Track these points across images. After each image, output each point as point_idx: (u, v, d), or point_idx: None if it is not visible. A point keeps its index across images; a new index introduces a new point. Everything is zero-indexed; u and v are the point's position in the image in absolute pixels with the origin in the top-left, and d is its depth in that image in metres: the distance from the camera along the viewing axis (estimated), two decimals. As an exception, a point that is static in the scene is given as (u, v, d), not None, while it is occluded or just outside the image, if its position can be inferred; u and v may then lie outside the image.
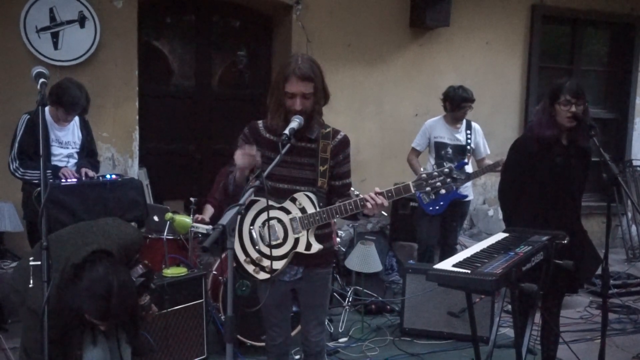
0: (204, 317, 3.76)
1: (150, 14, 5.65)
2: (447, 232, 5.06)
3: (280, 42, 6.08)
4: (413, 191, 2.42)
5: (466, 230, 6.48)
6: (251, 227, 2.63)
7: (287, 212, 2.58)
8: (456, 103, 4.87)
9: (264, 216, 2.58)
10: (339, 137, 2.66)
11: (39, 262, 1.96)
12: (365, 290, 4.80)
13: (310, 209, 2.54)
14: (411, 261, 5.02)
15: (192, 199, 4.29)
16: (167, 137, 5.94)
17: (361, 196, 2.48)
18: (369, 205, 2.44)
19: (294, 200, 2.57)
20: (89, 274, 2.31)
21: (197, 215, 4.21)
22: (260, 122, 2.67)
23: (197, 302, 3.72)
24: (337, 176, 2.66)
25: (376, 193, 2.44)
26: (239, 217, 2.60)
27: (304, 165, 2.60)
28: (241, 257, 2.66)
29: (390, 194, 2.45)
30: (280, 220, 2.59)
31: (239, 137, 2.68)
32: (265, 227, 2.59)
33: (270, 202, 2.54)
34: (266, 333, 2.82)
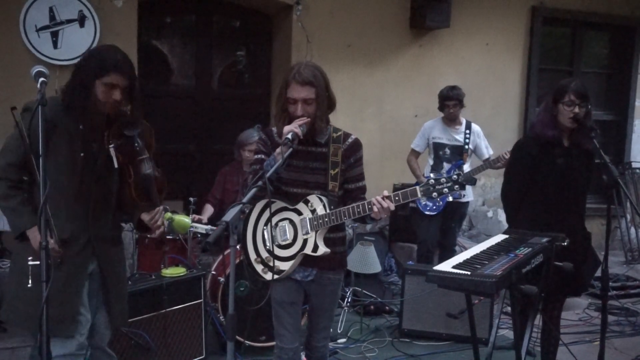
0: (202, 318, 3.75)
1: (150, 13, 5.65)
2: (445, 233, 5.06)
3: (280, 42, 6.08)
4: (419, 196, 2.42)
5: (465, 231, 6.48)
6: (264, 228, 2.66)
7: (299, 213, 2.61)
8: (439, 102, 4.91)
9: (278, 216, 2.63)
10: (350, 140, 2.68)
11: (38, 262, 1.94)
12: (364, 291, 4.80)
13: (321, 211, 2.56)
14: (410, 262, 5.02)
15: (191, 199, 4.29)
16: (166, 136, 5.92)
17: (368, 199, 2.49)
18: (375, 209, 2.44)
19: (306, 202, 2.59)
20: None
21: (193, 216, 4.20)
22: (273, 128, 2.71)
23: (196, 302, 3.72)
24: (350, 179, 2.68)
25: (383, 197, 2.45)
26: (255, 216, 2.68)
27: (315, 169, 2.62)
28: (252, 256, 2.70)
29: (397, 198, 2.45)
30: (291, 221, 2.62)
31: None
32: (278, 228, 2.63)
33: (285, 204, 2.62)
34: (278, 337, 2.74)
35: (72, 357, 2.45)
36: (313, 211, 2.57)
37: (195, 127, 6.06)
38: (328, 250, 2.57)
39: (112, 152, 2.48)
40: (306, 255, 2.60)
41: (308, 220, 2.57)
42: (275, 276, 2.63)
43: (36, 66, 2.23)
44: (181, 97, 6.03)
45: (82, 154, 2.43)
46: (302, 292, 2.75)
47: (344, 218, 2.52)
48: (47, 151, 2.06)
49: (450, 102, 4.90)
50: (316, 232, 2.56)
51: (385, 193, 2.47)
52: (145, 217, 2.65)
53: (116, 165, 2.49)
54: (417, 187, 2.44)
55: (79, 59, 2.48)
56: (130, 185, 2.55)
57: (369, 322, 4.61)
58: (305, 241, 2.58)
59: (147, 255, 4.24)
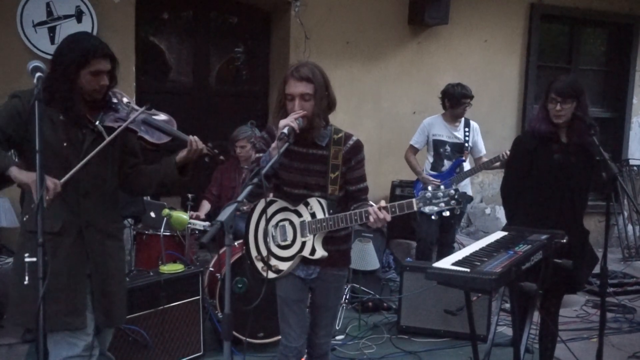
0: (200, 314, 3.74)
1: (147, 9, 5.62)
2: (445, 231, 5.05)
3: (278, 38, 6.06)
4: (416, 209, 2.40)
5: (463, 228, 6.48)
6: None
7: (299, 215, 2.61)
8: (456, 99, 4.86)
9: (279, 216, 2.64)
10: (351, 142, 2.67)
11: (35, 259, 1.93)
12: (362, 288, 4.79)
13: (320, 215, 2.56)
14: (408, 259, 5.02)
15: (189, 195, 4.28)
16: (164, 133, 5.91)
17: (365, 208, 2.48)
18: (371, 219, 2.44)
19: (306, 205, 2.60)
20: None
21: (191, 213, 4.19)
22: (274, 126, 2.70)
23: (194, 299, 3.71)
24: (351, 181, 2.67)
25: (380, 207, 2.44)
26: (257, 214, 2.70)
27: (316, 172, 2.62)
28: (253, 253, 2.72)
29: (393, 210, 2.44)
30: (291, 222, 2.62)
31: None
32: (278, 228, 2.64)
33: (286, 204, 2.63)
34: (283, 334, 2.74)
35: (79, 359, 2.41)
36: (312, 214, 2.57)
37: (192, 124, 6.02)
38: (325, 254, 2.58)
39: (100, 128, 2.43)
40: (302, 257, 2.60)
41: (307, 224, 2.58)
42: (273, 275, 2.63)
43: (32, 61, 2.21)
44: (179, 93, 6.01)
45: (65, 144, 2.39)
46: (308, 290, 2.75)
47: (341, 224, 2.52)
48: (29, 139, 2.04)
49: (468, 99, 4.89)
50: (314, 235, 2.57)
51: (382, 204, 2.46)
52: (181, 154, 2.58)
53: (107, 138, 2.41)
54: (414, 200, 2.42)
55: (55, 53, 2.42)
56: (142, 139, 2.50)
57: (367, 318, 4.60)
58: (303, 244, 2.59)
59: (144, 252, 4.22)
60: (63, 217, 2.39)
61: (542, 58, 6.89)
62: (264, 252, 2.67)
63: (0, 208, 4.58)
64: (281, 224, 2.64)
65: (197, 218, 4.29)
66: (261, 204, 2.71)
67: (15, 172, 2.24)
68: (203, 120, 6.06)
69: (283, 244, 2.64)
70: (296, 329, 2.70)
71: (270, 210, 2.67)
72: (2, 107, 2.39)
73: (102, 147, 2.38)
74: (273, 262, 2.64)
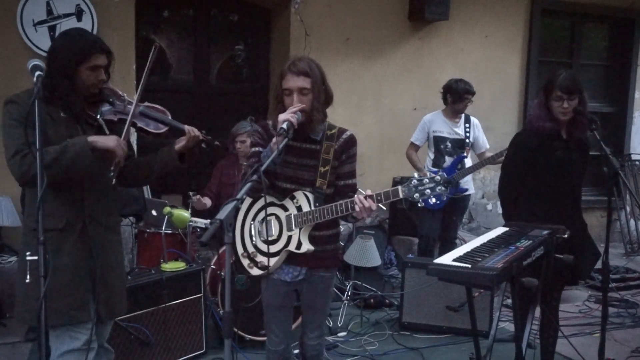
0: (202, 312, 3.75)
1: (147, 7, 5.62)
2: (447, 227, 5.05)
3: (278, 36, 6.06)
4: (401, 196, 2.39)
5: (465, 224, 6.48)
6: (252, 222, 2.66)
7: (286, 209, 2.60)
8: (459, 94, 4.85)
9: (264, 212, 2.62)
10: (344, 137, 2.65)
11: (36, 257, 1.93)
12: (364, 285, 4.79)
13: (306, 208, 2.55)
14: (410, 255, 5.02)
15: (190, 193, 4.29)
16: (164, 131, 5.91)
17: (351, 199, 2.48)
18: (357, 208, 2.42)
19: (292, 198, 2.59)
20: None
21: (198, 197, 4.23)
22: (270, 122, 2.70)
23: (196, 296, 3.72)
24: (340, 176, 2.66)
25: (365, 196, 2.43)
26: (244, 209, 2.68)
27: (307, 166, 2.61)
28: (239, 250, 2.71)
29: (379, 198, 2.43)
30: (277, 217, 2.61)
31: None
32: (264, 223, 2.62)
33: (273, 199, 2.61)
34: (267, 337, 2.78)
35: (78, 353, 2.42)
36: (298, 208, 2.56)
37: (193, 122, 5.91)
38: (312, 247, 2.56)
39: (101, 121, 2.47)
40: (294, 253, 2.58)
41: (293, 217, 2.57)
42: (261, 272, 2.63)
43: (32, 60, 2.21)
44: (179, 91, 6.00)
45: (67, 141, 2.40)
46: (293, 294, 2.73)
47: (327, 216, 2.49)
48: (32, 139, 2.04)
49: (470, 95, 4.88)
50: (300, 229, 2.55)
51: (368, 192, 2.45)
52: (180, 143, 2.65)
53: (107, 133, 2.45)
54: (399, 187, 2.41)
55: (50, 50, 2.43)
56: (142, 130, 2.55)
57: (369, 315, 4.61)
58: (289, 238, 2.58)
59: (146, 250, 4.23)
60: (66, 211, 2.41)
61: (543, 53, 6.87)
62: (250, 249, 2.66)
63: (3, 207, 4.58)
64: (267, 219, 2.62)
65: (201, 205, 4.29)
66: (247, 200, 2.68)
67: (95, 139, 2.32)
68: (204, 118, 6.05)
69: (269, 239, 2.61)
70: (278, 334, 2.72)
71: (257, 206, 2.66)
72: (6, 123, 2.37)
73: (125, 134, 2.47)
74: (259, 258, 2.63)
